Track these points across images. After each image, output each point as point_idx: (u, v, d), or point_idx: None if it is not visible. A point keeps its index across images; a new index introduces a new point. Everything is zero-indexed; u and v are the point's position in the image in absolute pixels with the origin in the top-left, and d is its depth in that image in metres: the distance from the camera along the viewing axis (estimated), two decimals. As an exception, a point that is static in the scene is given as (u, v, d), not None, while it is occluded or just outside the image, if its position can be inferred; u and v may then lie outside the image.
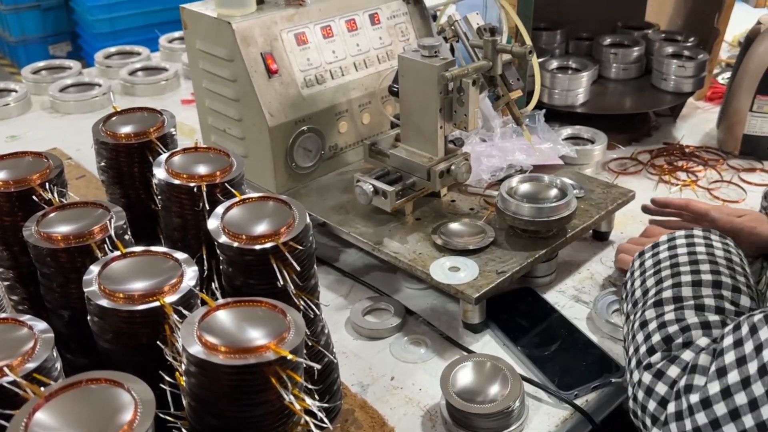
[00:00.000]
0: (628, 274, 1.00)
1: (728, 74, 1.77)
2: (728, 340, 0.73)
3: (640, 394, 0.80)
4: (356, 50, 1.30)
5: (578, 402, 0.94)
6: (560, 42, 1.75)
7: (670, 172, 1.46)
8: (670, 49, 1.63)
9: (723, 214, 1.14)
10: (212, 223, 0.78)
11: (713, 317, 0.82)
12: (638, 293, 0.93)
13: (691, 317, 0.83)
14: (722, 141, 1.55)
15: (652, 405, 0.79)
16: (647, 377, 0.80)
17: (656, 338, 0.83)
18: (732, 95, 1.49)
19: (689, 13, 1.76)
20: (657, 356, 0.81)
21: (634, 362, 0.84)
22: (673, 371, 0.78)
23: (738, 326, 0.73)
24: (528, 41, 1.15)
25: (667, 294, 0.87)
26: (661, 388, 0.78)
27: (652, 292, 0.90)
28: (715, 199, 1.38)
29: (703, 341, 0.79)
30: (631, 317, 0.91)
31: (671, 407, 0.76)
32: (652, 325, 0.85)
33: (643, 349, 0.84)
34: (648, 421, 0.79)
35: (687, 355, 0.78)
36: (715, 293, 0.85)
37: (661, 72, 1.61)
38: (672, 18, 1.82)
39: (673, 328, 0.82)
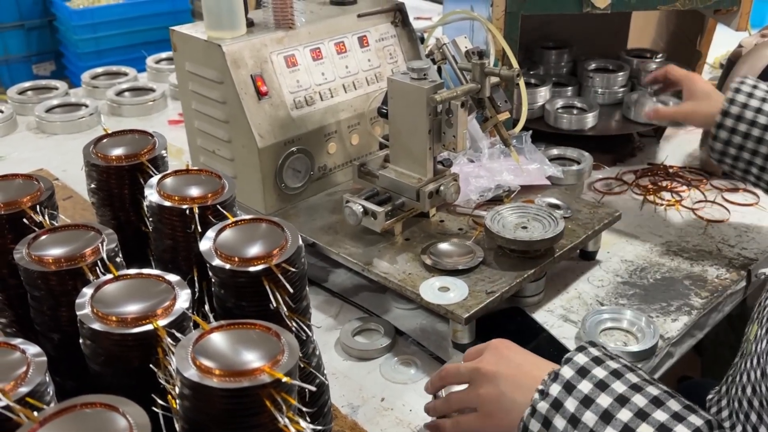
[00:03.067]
0: None
1: (710, 95, 1.80)
2: None
3: None
4: (345, 72, 1.31)
5: (568, 422, 0.95)
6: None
7: (655, 192, 1.48)
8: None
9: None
10: (205, 246, 0.78)
11: None
12: None
13: None
14: (705, 161, 1.57)
15: None
16: None
17: None
18: (714, 116, 1.51)
19: (672, 36, 1.79)
20: None
21: None
22: None
23: None
24: (515, 64, 1.16)
25: None
26: None
27: None
28: (699, 219, 1.40)
29: None
30: None
31: None
32: None
33: None
34: None
35: None
36: None
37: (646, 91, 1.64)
38: (655, 40, 1.84)
39: None
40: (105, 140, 0.97)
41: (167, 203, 0.84)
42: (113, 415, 0.57)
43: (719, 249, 1.30)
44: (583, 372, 0.75)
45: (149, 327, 0.69)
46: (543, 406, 0.74)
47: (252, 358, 0.63)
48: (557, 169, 1.36)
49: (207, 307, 0.79)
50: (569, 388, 0.74)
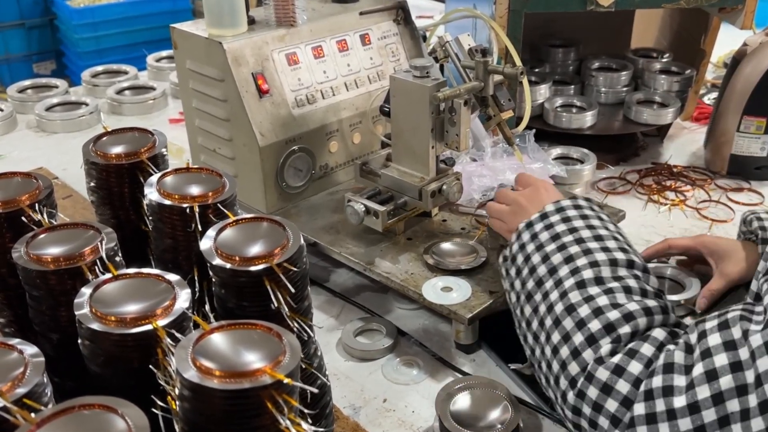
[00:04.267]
0: (516, 247, 0.93)
1: (714, 95, 1.79)
2: (715, 339, 0.69)
3: (593, 392, 0.75)
4: (347, 70, 1.30)
5: (572, 423, 0.94)
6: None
7: (659, 192, 1.47)
8: (659, 74, 1.66)
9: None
10: (205, 245, 0.77)
11: (651, 302, 0.79)
12: (542, 270, 0.87)
13: (627, 302, 0.79)
14: (709, 161, 1.56)
15: (612, 405, 0.73)
16: (603, 373, 0.75)
17: (595, 325, 0.78)
18: (719, 116, 1.50)
19: (675, 35, 1.78)
20: (606, 348, 0.76)
21: (567, 352, 0.78)
22: (635, 367, 0.73)
23: (726, 325, 0.70)
24: (518, 62, 1.15)
25: (588, 274, 0.83)
26: (622, 386, 0.73)
27: (564, 271, 0.84)
28: (703, 219, 1.39)
29: (659, 333, 0.75)
30: (538, 297, 0.86)
31: (640, 408, 0.71)
32: (584, 311, 0.79)
33: (578, 338, 0.78)
34: (605, 423, 0.74)
35: (647, 350, 0.74)
36: (633, 274, 0.83)
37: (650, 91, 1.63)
38: (658, 39, 1.83)
39: (613, 315, 0.77)
40: (105, 138, 0.96)
41: (167, 202, 0.83)
42: (112, 417, 0.56)
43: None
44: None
45: (149, 327, 0.68)
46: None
47: (253, 359, 0.62)
48: (560, 169, 1.35)
49: (207, 307, 0.78)
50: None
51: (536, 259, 0.89)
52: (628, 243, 0.90)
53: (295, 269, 0.75)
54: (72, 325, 0.72)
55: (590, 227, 0.89)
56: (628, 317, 0.77)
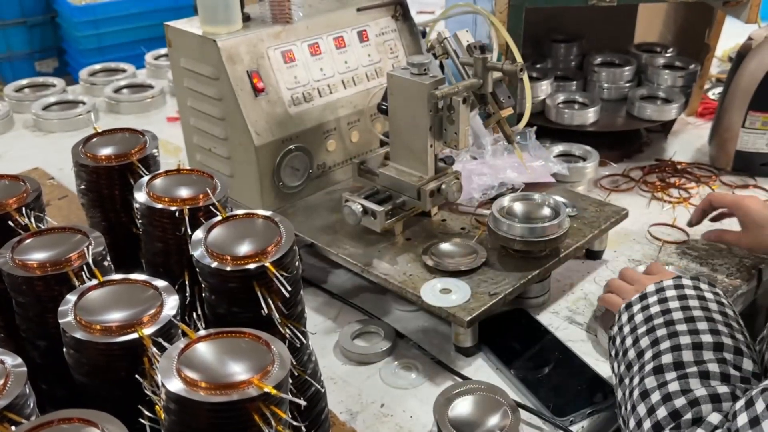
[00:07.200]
0: (616, 329, 0.93)
1: (719, 90, 1.77)
2: (743, 419, 0.68)
3: None
4: (344, 68, 1.28)
5: (573, 428, 0.92)
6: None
7: (663, 189, 1.44)
8: (663, 69, 1.63)
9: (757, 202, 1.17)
10: (195, 249, 0.75)
11: (722, 388, 0.76)
12: (631, 354, 0.87)
13: (698, 388, 0.77)
14: (714, 157, 1.53)
15: None
16: None
17: (662, 413, 0.77)
18: (724, 111, 1.48)
19: (679, 29, 1.75)
20: None
21: None
22: None
23: (751, 402, 0.69)
24: (518, 59, 1.12)
25: (667, 359, 0.81)
26: None
27: (648, 355, 0.84)
28: (708, 216, 1.36)
29: (714, 418, 0.73)
30: (627, 381, 0.85)
31: None
32: (656, 397, 0.79)
33: (647, 424, 0.77)
34: None
35: None
36: (717, 357, 0.80)
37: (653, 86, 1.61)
38: (662, 33, 1.81)
39: (680, 402, 0.76)
40: (95, 139, 0.94)
41: (157, 205, 0.82)
42: (92, 431, 0.55)
43: (729, 248, 1.26)
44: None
45: (134, 336, 0.66)
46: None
47: (239, 370, 0.60)
48: (562, 166, 1.33)
49: (197, 313, 0.76)
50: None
51: (629, 342, 0.88)
52: (727, 322, 0.85)
53: (286, 274, 0.73)
54: (60, 332, 0.70)
55: (685, 308, 0.87)
56: (693, 403, 0.75)
